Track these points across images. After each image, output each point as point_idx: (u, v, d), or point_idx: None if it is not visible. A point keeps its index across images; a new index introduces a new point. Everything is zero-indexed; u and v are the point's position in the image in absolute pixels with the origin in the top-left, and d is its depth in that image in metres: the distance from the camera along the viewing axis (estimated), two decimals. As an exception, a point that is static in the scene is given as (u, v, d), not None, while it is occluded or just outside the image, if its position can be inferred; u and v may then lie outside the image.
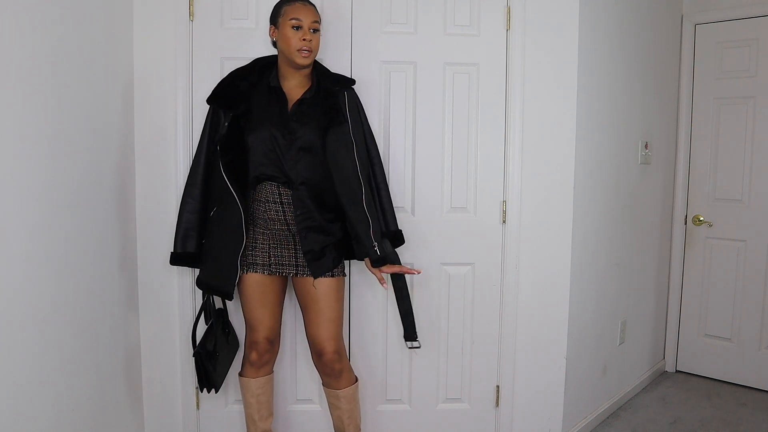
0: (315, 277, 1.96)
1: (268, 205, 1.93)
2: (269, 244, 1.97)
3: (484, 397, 2.44)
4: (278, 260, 1.98)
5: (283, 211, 1.93)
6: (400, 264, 2.04)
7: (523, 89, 2.31)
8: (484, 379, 2.43)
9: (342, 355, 2.04)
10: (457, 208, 2.36)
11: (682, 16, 3.30)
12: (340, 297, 2.02)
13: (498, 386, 2.43)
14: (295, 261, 1.97)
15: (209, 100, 1.98)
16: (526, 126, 2.33)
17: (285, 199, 1.92)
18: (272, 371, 2.15)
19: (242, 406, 2.26)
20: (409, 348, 2.13)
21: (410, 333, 2.09)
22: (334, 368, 2.02)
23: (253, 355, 2.05)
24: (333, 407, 2.10)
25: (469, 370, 2.42)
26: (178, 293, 2.28)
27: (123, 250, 2.16)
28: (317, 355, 2.02)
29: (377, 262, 1.97)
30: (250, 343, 2.05)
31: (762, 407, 2.95)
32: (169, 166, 2.23)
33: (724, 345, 3.27)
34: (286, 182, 1.92)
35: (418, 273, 2.09)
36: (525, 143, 2.33)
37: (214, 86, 1.99)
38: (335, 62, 2.24)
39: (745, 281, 3.18)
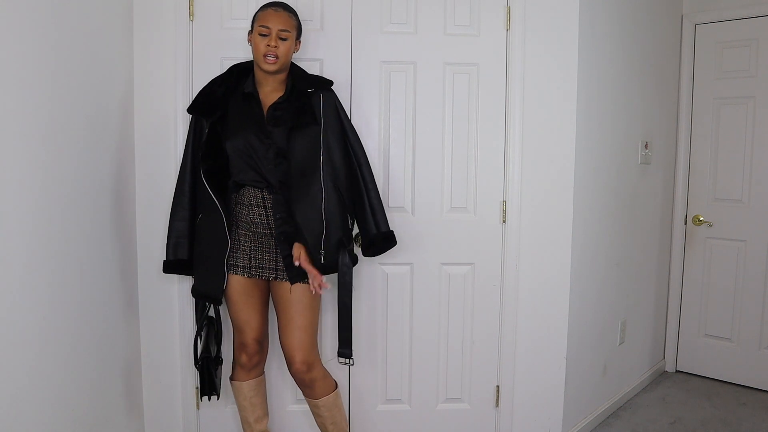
0: (291, 283, 1.94)
1: (251, 209, 1.94)
2: (251, 247, 1.97)
3: (484, 397, 2.44)
4: (258, 263, 1.97)
5: (267, 215, 1.93)
6: (344, 278, 1.95)
7: (523, 89, 2.31)
8: (484, 379, 2.43)
9: (312, 365, 1.99)
10: (457, 208, 2.36)
11: (682, 16, 3.30)
12: (314, 305, 1.99)
13: (498, 386, 2.43)
14: (275, 265, 1.96)
15: (189, 110, 1.98)
16: (526, 126, 2.33)
17: (268, 203, 1.93)
18: (263, 372, 2.14)
19: (242, 406, 2.27)
20: (341, 363, 2.04)
21: (344, 349, 2.00)
22: (303, 379, 1.99)
23: (243, 358, 2.05)
24: (315, 415, 2.09)
25: (469, 370, 2.42)
26: (178, 294, 2.28)
27: (123, 252, 2.15)
28: (288, 364, 2.01)
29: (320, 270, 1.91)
30: (239, 346, 2.05)
31: (762, 407, 2.95)
32: (170, 168, 2.23)
33: (724, 345, 3.27)
34: (268, 186, 1.92)
35: (321, 288, 1.91)
36: (525, 143, 2.33)
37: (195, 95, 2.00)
38: (335, 62, 2.24)
39: (745, 281, 3.17)
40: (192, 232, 2.00)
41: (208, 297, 1.96)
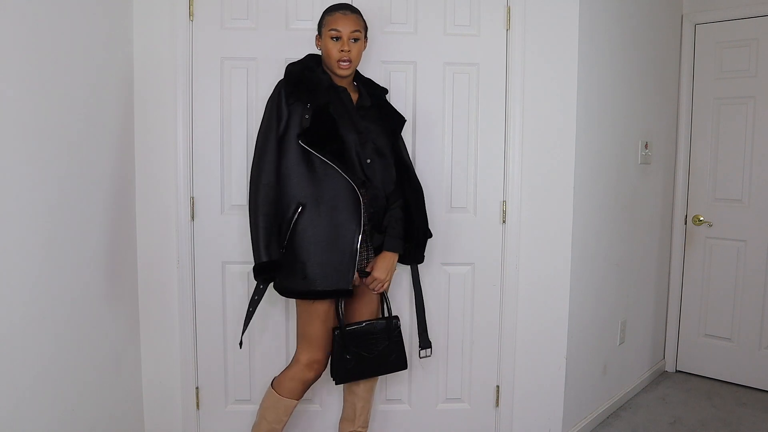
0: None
1: None
2: None
3: (484, 397, 2.44)
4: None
5: (364, 210, 1.87)
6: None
7: (523, 89, 2.31)
8: (484, 379, 2.43)
9: None
10: (457, 208, 2.36)
11: (682, 16, 3.30)
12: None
13: (498, 386, 2.43)
14: (367, 260, 1.94)
15: (288, 94, 1.83)
16: (526, 126, 2.33)
17: (365, 199, 1.88)
18: None
19: (241, 405, 2.27)
20: (421, 357, 2.12)
21: (423, 341, 2.08)
22: None
23: (311, 376, 1.90)
24: (349, 392, 2.07)
25: (469, 370, 2.42)
26: (178, 292, 2.28)
27: (123, 250, 2.16)
28: None
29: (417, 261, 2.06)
30: (310, 364, 1.89)
31: (762, 407, 2.95)
32: (170, 167, 2.23)
33: (724, 345, 3.27)
34: (364, 182, 1.89)
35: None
36: (525, 143, 2.33)
37: (284, 77, 1.88)
38: (335, 62, 2.24)
39: (745, 281, 3.17)
40: (279, 229, 1.83)
41: (335, 293, 1.83)
